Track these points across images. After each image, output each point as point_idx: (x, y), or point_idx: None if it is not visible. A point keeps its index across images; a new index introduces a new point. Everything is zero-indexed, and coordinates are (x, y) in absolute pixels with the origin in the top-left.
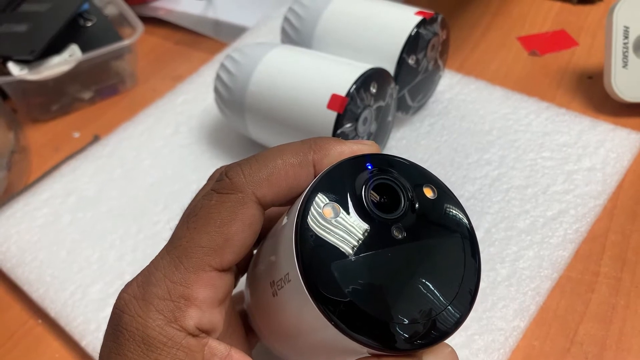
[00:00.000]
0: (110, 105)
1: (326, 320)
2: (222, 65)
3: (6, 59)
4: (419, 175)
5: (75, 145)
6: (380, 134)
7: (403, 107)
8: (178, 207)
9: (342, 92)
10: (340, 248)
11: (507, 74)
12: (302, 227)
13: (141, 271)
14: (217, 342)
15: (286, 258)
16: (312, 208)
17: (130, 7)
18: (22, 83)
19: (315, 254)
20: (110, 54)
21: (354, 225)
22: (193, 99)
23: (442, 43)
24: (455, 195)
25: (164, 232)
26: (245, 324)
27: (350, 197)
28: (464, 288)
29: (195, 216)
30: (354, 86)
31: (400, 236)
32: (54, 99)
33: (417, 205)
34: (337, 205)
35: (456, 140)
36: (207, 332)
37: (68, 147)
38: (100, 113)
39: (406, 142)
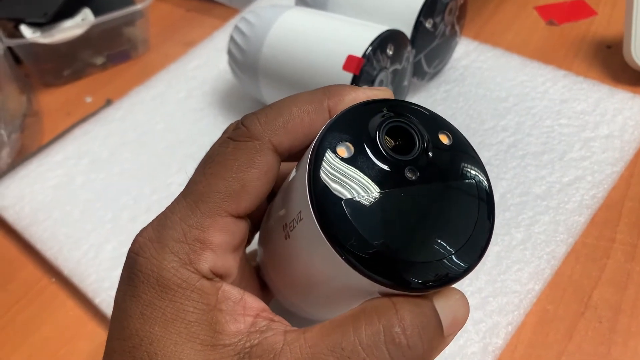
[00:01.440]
0: (122, 71)
1: (337, 255)
2: (236, 27)
3: (19, 21)
4: (435, 122)
5: (87, 110)
6: None
7: (419, 72)
8: (192, 169)
9: (358, 53)
10: (353, 186)
11: (523, 44)
12: (316, 164)
13: (157, 216)
14: (231, 286)
15: (299, 197)
16: (325, 146)
17: None
18: (34, 46)
19: (327, 190)
20: (123, 19)
21: (368, 165)
22: (205, 64)
23: (459, 7)
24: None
25: (177, 194)
26: (260, 280)
27: (364, 137)
28: (477, 232)
29: (212, 162)
30: (371, 47)
31: (413, 177)
32: (66, 64)
33: (431, 150)
34: (350, 145)
35: (472, 107)
36: (221, 277)
37: (80, 111)
38: (112, 78)
39: None
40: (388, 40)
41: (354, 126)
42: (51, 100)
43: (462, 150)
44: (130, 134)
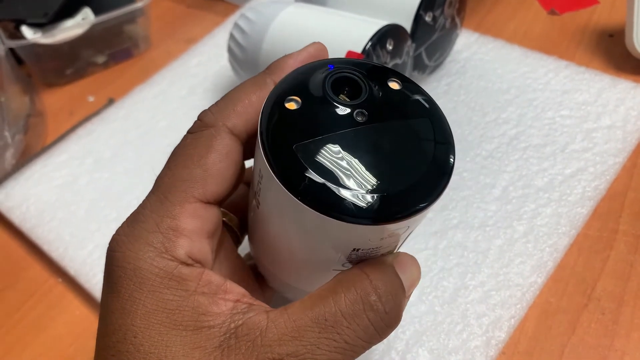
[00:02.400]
0: (124, 69)
1: (294, 198)
2: (236, 25)
3: (19, 22)
4: (384, 72)
5: (90, 109)
6: None
7: (420, 66)
8: (159, 168)
9: (358, 49)
10: (303, 132)
11: (525, 34)
12: (268, 120)
13: (130, 214)
14: (212, 273)
15: (258, 158)
16: (273, 104)
17: None
18: (36, 47)
19: (278, 138)
20: (123, 17)
21: (316, 113)
22: (207, 61)
23: (459, 0)
24: (442, 111)
25: None
26: (256, 279)
27: (311, 90)
28: (434, 169)
29: (174, 155)
30: (370, 43)
31: (361, 119)
32: (68, 63)
33: (380, 94)
34: (297, 98)
35: (473, 100)
36: (200, 262)
37: (83, 110)
38: (114, 77)
39: None
40: (387, 35)
41: (300, 84)
42: (54, 100)
43: (413, 93)
44: (133, 132)
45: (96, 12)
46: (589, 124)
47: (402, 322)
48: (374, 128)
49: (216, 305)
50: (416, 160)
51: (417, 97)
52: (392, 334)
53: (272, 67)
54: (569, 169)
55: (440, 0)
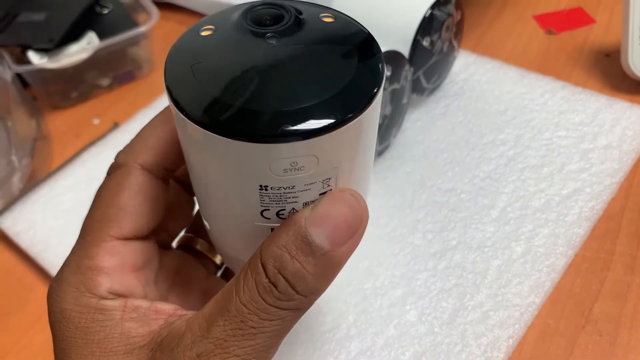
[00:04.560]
0: (128, 91)
1: (197, 126)
2: None
3: (26, 47)
4: (320, 9)
5: (95, 131)
6: (395, 116)
7: (418, 88)
8: None
9: None
10: (208, 54)
11: (523, 53)
12: (175, 47)
13: None
14: (138, 300)
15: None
16: (186, 32)
17: None
18: (42, 71)
19: (176, 63)
20: (127, 41)
21: (229, 37)
22: None
23: (456, 24)
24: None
25: None
26: None
27: (230, 20)
28: (354, 85)
29: (94, 199)
30: None
31: (275, 42)
32: (72, 86)
33: (304, 23)
34: (213, 27)
35: (471, 121)
36: (123, 296)
37: (88, 133)
38: (118, 99)
39: (421, 124)
40: (386, 61)
41: (222, 16)
42: (59, 122)
43: (345, 23)
44: None
45: (100, 36)
46: (585, 145)
47: (401, 343)
48: (288, 50)
49: (147, 326)
50: (333, 79)
51: (348, 28)
52: (391, 353)
53: None
54: (566, 190)
55: (437, 25)
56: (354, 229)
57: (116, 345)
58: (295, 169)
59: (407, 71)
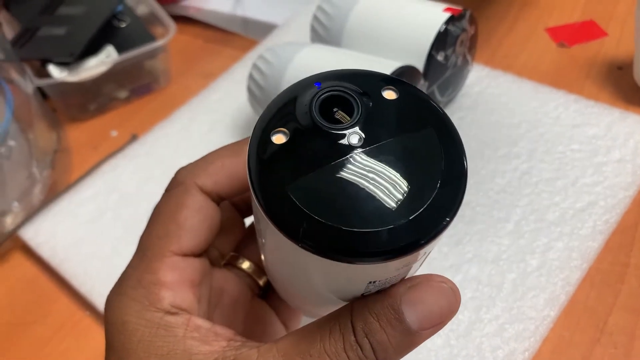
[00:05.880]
0: (145, 104)
1: (295, 245)
2: (255, 66)
3: (46, 61)
4: (378, 80)
5: (113, 144)
6: None
7: None
8: None
9: None
10: (293, 169)
11: (535, 66)
12: (256, 161)
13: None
14: (200, 319)
15: (254, 204)
16: (259, 140)
17: (161, 7)
18: (61, 84)
19: (267, 182)
20: (145, 54)
21: (308, 144)
22: (226, 97)
23: (470, 38)
24: (442, 109)
25: None
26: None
27: (299, 116)
28: (442, 191)
29: (152, 214)
30: None
31: (356, 142)
32: (91, 99)
33: (375, 109)
34: (285, 129)
35: (485, 134)
36: (185, 310)
37: (106, 145)
38: (136, 111)
39: None
40: (401, 76)
41: (286, 111)
42: (78, 134)
43: (411, 101)
44: (156, 168)
45: (118, 49)
46: (599, 158)
47: (418, 356)
48: (372, 151)
49: (209, 345)
50: (424, 179)
51: (417, 105)
52: None
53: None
54: (580, 203)
55: (451, 40)
56: (445, 319)
57: None
58: (406, 265)
59: (422, 85)
